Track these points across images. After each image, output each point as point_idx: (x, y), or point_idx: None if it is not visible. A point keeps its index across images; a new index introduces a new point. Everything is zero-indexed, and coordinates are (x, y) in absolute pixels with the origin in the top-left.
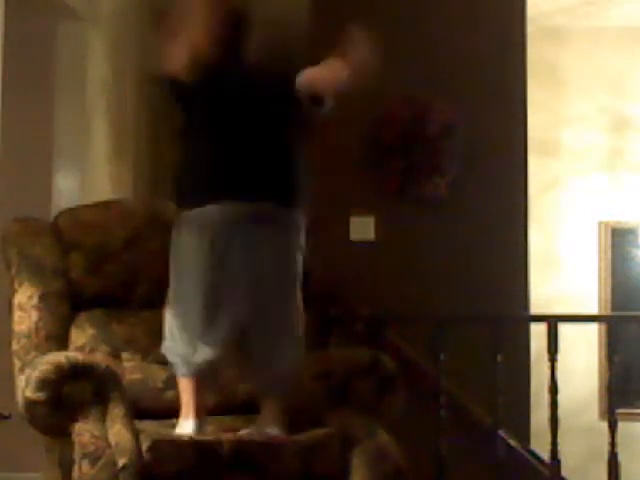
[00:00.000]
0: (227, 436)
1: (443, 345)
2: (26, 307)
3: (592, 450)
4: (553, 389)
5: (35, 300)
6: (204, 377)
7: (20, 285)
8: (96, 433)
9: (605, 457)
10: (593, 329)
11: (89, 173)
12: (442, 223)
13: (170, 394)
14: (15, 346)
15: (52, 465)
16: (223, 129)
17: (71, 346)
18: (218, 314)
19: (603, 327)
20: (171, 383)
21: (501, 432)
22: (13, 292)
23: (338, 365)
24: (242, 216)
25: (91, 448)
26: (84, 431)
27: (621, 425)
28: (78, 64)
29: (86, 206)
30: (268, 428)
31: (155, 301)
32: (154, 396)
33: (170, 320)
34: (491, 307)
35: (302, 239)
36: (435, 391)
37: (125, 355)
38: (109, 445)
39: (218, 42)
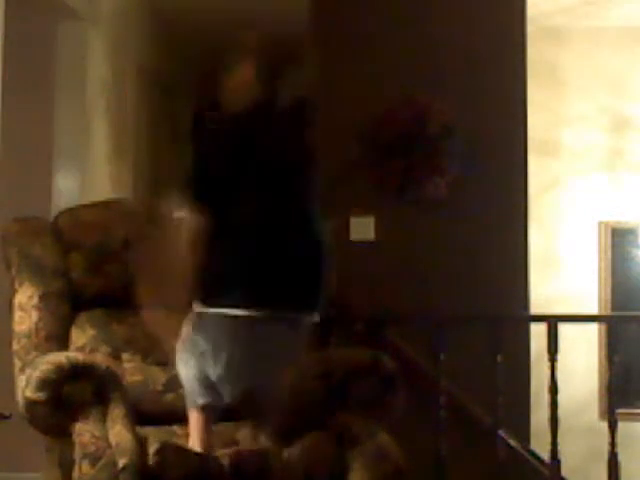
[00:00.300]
0: (227, 452)
1: (443, 345)
2: (26, 307)
3: (592, 450)
4: (553, 389)
5: (35, 300)
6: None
7: (20, 285)
8: (96, 433)
9: (605, 457)
10: (593, 329)
11: (89, 173)
12: (442, 223)
13: (170, 397)
14: (15, 346)
15: (52, 465)
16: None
17: (71, 346)
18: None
19: (603, 327)
20: (171, 386)
21: (501, 432)
22: (13, 292)
23: (338, 365)
24: (259, 325)
25: (91, 448)
26: (84, 431)
27: (621, 425)
28: (78, 64)
29: (86, 206)
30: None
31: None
32: (154, 399)
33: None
34: (491, 307)
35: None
36: (435, 391)
37: (125, 356)
38: (109, 445)
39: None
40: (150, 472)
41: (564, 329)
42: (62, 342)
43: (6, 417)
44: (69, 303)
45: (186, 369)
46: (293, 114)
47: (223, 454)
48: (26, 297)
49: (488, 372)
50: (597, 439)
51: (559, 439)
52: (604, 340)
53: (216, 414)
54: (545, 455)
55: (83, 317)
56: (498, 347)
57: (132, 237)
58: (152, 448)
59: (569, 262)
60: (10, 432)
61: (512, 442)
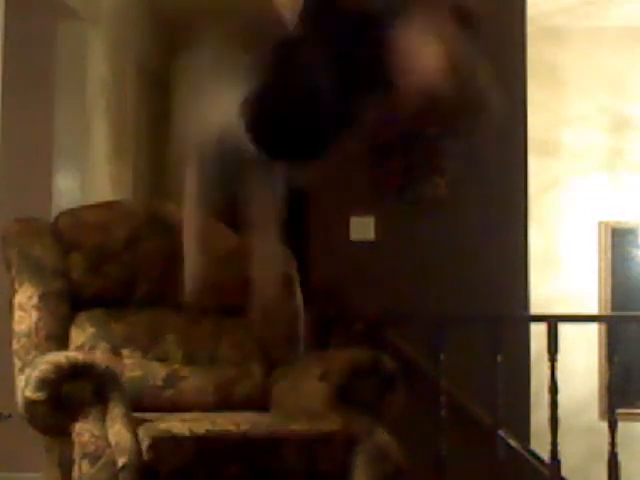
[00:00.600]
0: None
1: (443, 345)
2: (26, 307)
3: (592, 450)
4: (553, 389)
5: (35, 300)
6: None
7: (20, 285)
8: (96, 433)
9: (605, 457)
10: (593, 329)
11: (89, 173)
12: (442, 223)
13: (170, 392)
14: (15, 346)
15: (52, 465)
16: None
17: (71, 345)
18: None
19: (603, 327)
20: (171, 381)
21: (501, 432)
22: (13, 292)
23: (338, 365)
24: None
25: (91, 448)
26: (84, 431)
27: (621, 425)
28: (78, 64)
29: (86, 206)
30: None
31: (155, 300)
32: (154, 393)
33: None
34: (491, 307)
35: None
36: (435, 391)
37: (125, 352)
38: (109, 445)
39: None
40: (147, 468)
41: (564, 329)
42: (62, 342)
43: (6, 417)
44: (69, 303)
45: None
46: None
47: (221, 435)
48: (26, 297)
49: (488, 372)
50: (597, 439)
51: (559, 439)
52: (604, 340)
53: None
54: (545, 455)
55: (83, 317)
56: (498, 347)
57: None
58: (144, 444)
59: (569, 262)
60: (10, 432)
61: (512, 442)
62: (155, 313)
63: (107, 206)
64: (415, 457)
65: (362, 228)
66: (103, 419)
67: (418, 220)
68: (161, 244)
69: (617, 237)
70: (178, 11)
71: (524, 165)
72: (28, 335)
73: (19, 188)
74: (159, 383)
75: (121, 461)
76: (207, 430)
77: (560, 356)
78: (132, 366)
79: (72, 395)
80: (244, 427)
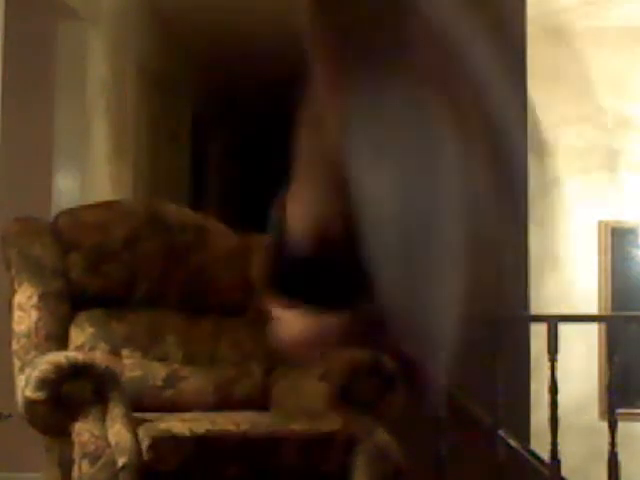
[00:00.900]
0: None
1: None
2: (26, 307)
3: (592, 450)
4: (553, 389)
5: (35, 300)
6: None
7: (20, 285)
8: (96, 433)
9: (605, 457)
10: (593, 329)
11: (89, 173)
12: None
13: (170, 392)
14: (15, 346)
15: (52, 465)
16: None
17: (71, 345)
18: None
19: (603, 327)
20: (171, 381)
21: (501, 432)
22: (13, 292)
23: (338, 365)
24: None
25: (91, 448)
26: (84, 431)
27: (621, 425)
28: (78, 64)
29: (86, 206)
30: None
31: (155, 300)
32: (154, 393)
33: None
34: (491, 307)
35: None
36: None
37: (125, 352)
38: (109, 445)
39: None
40: (147, 468)
41: (564, 329)
42: (61, 342)
43: (7, 417)
44: (68, 303)
45: None
46: None
47: (222, 434)
48: (25, 297)
49: (488, 372)
50: (597, 439)
51: (559, 439)
52: (604, 340)
53: None
54: (545, 455)
55: (82, 316)
56: (498, 347)
57: (132, 236)
58: (144, 444)
59: (569, 262)
60: (10, 432)
61: (512, 442)
62: (155, 313)
63: (107, 206)
64: (415, 457)
65: None
66: (103, 419)
67: None
68: (161, 244)
69: (617, 237)
70: (178, 11)
71: (524, 165)
72: (28, 335)
73: (19, 188)
74: (159, 383)
75: (121, 461)
76: (207, 430)
77: (560, 356)
78: (132, 366)
79: (72, 395)
80: (244, 427)
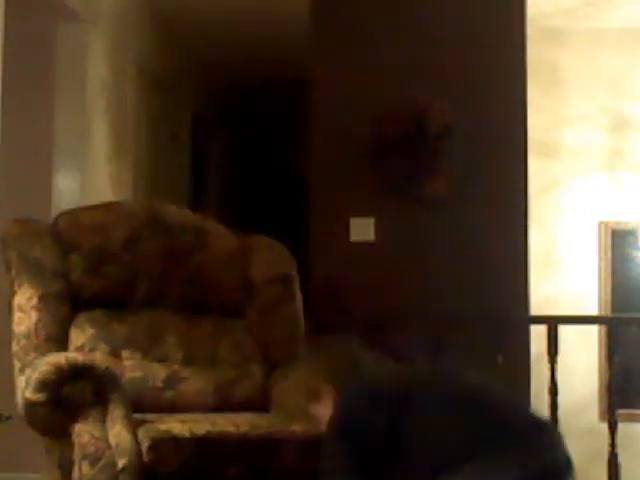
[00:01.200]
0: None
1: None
2: (26, 308)
3: (592, 451)
4: (553, 390)
5: (35, 301)
6: None
7: (20, 286)
8: (96, 434)
9: (605, 458)
10: (593, 330)
11: (89, 173)
12: (442, 223)
13: (170, 393)
14: (15, 347)
15: (52, 466)
16: None
17: (71, 346)
18: None
19: (603, 328)
20: (171, 382)
21: None
22: (13, 293)
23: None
24: None
25: (91, 449)
26: (84, 432)
27: (621, 426)
28: (78, 64)
29: (85, 207)
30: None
31: (155, 301)
32: (154, 395)
33: None
34: (491, 307)
35: None
36: None
37: (125, 354)
38: (109, 446)
39: None
40: (147, 469)
41: (564, 330)
42: (61, 343)
43: (7, 418)
44: (68, 304)
45: None
46: None
47: (221, 435)
48: (25, 298)
49: (488, 372)
50: (597, 440)
51: None
52: (604, 341)
53: None
54: None
55: (82, 318)
56: (498, 347)
57: (131, 237)
58: (145, 445)
59: (569, 262)
60: (10, 433)
61: None
62: (155, 314)
63: (106, 207)
64: None
65: (362, 229)
66: (103, 420)
67: (418, 220)
68: (161, 245)
69: (617, 238)
70: (178, 11)
71: (524, 165)
72: (28, 336)
73: (19, 188)
74: (159, 384)
75: (121, 462)
76: (207, 431)
77: (560, 357)
78: (132, 367)
79: (72, 396)
80: (244, 428)
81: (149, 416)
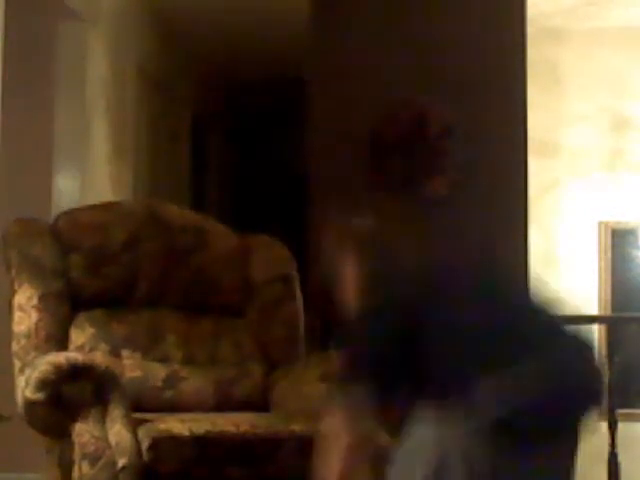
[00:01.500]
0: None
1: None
2: (26, 308)
3: (592, 450)
4: None
5: (35, 301)
6: None
7: (20, 286)
8: (96, 433)
9: (605, 457)
10: (593, 329)
11: (89, 173)
12: (442, 223)
13: (170, 393)
14: (15, 347)
15: (52, 466)
16: None
17: (71, 346)
18: None
19: (603, 327)
20: (170, 382)
21: None
22: (13, 293)
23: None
24: None
25: (91, 448)
26: (84, 431)
27: (621, 425)
28: (78, 64)
29: (85, 207)
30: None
31: (155, 300)
32: (154, 394)
33: None
34: None
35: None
36: None
37: (125, 353)
38: (109, 445)
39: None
40: (147, 468)
41: None
42: (61, 342)
43: (6, 418)
44: (68, 304)
45: None
46: None
47: (221, 435)
48: (25, 298)
49: None
50: (597, 440)
51: None
52: (604, 341)
53: None
54: None
55: (82, 317)
56: None
57: (131, 237)
58: (145, 445)
59: (569, 262)
60: (10, 432)
61: None
62: (155, 313)
63: (106, 207)
64: None
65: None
66: (103, 420)
67: (418, 220)
68: (161, 245)
69: (617, 237)
70: (178, 11)
71: (524, 165)
72: (28, 336)
73: (19, 188)
74: (159, 384)
75: (121, 462)
76: (207, 431)
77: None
78: (132, 367)
79: (72, 396)
80: (244, 428)
81: (149, 415)
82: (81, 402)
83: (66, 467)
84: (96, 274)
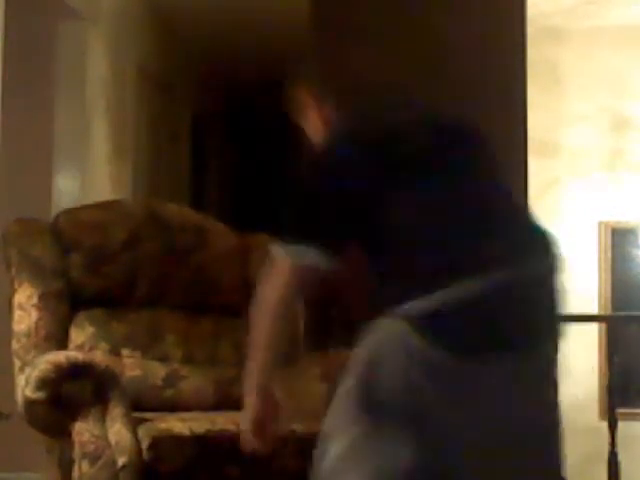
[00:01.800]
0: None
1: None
2: (26, 307)
3: (592, 450)
4: None
5: (35, 300)
6: None
7: (20, 285)
8: (96, 432)
9: (605, 457)
10: (593, 329)
11: (89, 173)
12: None
13: (170, 392)
14: (15, 346)
15: (52, 465)
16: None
17: (71, 345)
18: None
19: (603, 327)
20: (170, 381)
21: None
22: (13, 292)
23: (339, 366)
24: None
25: (91, 447)
26: (84, 430)
27: (621, 425)
28: (78, 64)
29: (85, 206)
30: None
31: (155, 300)
32: (154, 393)
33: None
34: None
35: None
36: None
37: (125, 352)
38: (109, 444)
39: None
40: (147, 467)
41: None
42: (61, 341)
43: (6, 417)
44: (68, 303)
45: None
46: None
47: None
48: (25, 297)
49: None
50: (597, 439)
51: None
52: (604, 340)
53: None
54: None
55: (82, 316)
56: None
57: (131, 236)
58: (145, 444)
59: (569, 262)
60: (10, 432)
61: None
62: (155, 313)
63: (106, 206)
64: None
65: None
66: (103, 419)
67: None
68: (161, 244)
69: (617, 237)
70: (178, 11)
71: (524, 165)
72: (28, 335)
73: (19, 188)
74: (159, 383)
75: (121, 461)
76: (207, 430)
77: (560, 356)
78: (132, 366)
79: (72, 395)
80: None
81: (149, 414)
82: (81, 401)
83: (66, 466)
84: (96, 273)
